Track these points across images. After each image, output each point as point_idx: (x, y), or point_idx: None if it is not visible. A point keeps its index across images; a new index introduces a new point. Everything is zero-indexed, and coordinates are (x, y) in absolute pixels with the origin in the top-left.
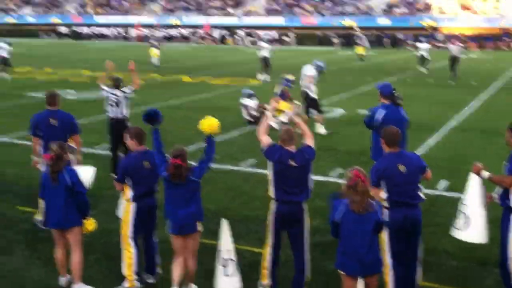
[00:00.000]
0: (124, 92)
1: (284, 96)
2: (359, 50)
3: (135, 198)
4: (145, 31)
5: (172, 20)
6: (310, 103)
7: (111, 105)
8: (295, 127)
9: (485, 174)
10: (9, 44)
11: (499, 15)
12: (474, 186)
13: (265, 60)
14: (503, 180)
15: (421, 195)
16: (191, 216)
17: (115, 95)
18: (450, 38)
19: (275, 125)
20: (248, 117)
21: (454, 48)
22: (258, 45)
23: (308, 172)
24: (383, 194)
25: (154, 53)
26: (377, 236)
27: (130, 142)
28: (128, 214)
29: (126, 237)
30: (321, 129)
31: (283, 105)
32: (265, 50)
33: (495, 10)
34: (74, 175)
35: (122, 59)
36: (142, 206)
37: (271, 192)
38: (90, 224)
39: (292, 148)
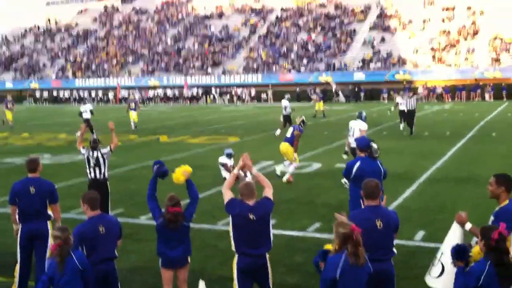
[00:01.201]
0: (102, 153)
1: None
2: (320, 105)
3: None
4: (125, 94)
5: (152, 81)
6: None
7: (91, 167)
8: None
9: (469, 225)
10: None
11: (471, 67)
12: (454, 235)
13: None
14: None
15: (394, 250)
16: (181, 254)
17: (94, 157)
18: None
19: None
20: (225, 175)
21: (403, 101)
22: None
23: (268, 223)
24: None
25: (131, 115)
26: None
27: (83, 208)
28: None
29: None
30: None
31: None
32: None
33: (468, 62)
34: (81, 257)
35: (100, 121)
36: (98, 273)
37: (233, 245)
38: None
39: (251, 202)
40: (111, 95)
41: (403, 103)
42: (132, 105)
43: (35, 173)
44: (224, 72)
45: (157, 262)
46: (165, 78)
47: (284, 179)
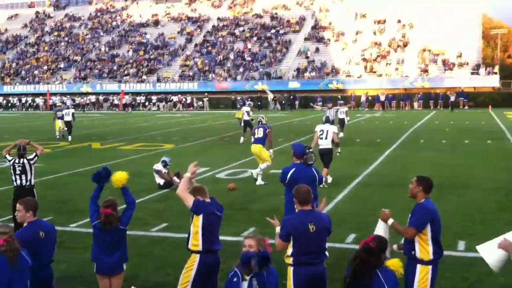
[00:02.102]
0: (28, 159)
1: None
2: (239, 114)
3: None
4: (56, 100)
5: (84, 88)
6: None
7: (17, 174)
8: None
9: (391, 221)
10: None
11: (401, 77)
12: (380, 231)
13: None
14: (406, 231)
15: (326, 253)
16: (117, 260)
17: (20, 163)
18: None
19: None
20: (159, 181)
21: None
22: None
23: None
24: (289, 250)
25: (57, 124)
26: None
27: (25, 215)
28: None
29: None
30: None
31: None
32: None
33: (398, 72)
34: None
35: (28, 127)
36: (40, 279)
37: (196, 245)
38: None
39: (208, 200)
40: (41, 101)
41: (341, 111)
42: (60, 113)
43: None
44: (159, 80)
45: (88, 271)
46: (98, 85)
47: (258, 182)
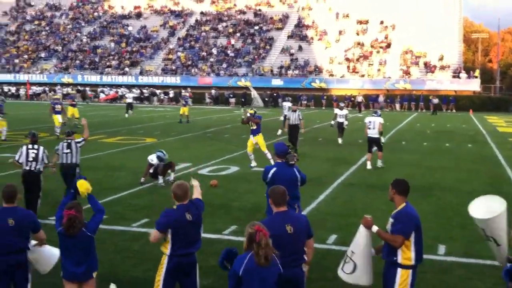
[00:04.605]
0: (76, 142)
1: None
2: (184, 110)
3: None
4: (37, 90)
5: (65, 78)
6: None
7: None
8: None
9: (375, 228)
10: None
11: (383, 78)
12: (362, 236)
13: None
14: (395, 240)
15: (304, 256)
16: (84, 270)
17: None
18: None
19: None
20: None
21: (341, 113)
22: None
23: (201, 223)
24: None
25: (56, 119)
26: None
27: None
28: None
29: None
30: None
31: None
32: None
33: (380, 73)
34: None
35: (11, 117)
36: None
37: (166, 248)
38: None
39: (186, 202)
40: (22, 91)
41: (340, 115)
42: (59, 107)
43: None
44: (142, 73)
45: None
46: (79, 76)
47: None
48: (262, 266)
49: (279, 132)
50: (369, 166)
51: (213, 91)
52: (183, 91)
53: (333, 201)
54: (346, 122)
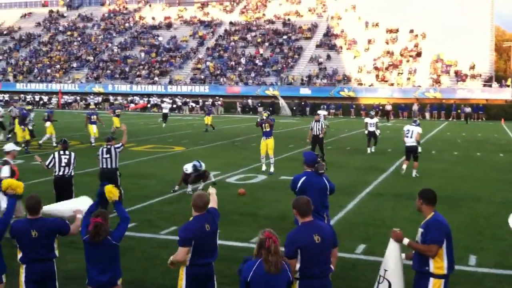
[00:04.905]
0: (115, 147)
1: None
2: (208, 119)
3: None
4: (68, 99)
5: (96, 88)
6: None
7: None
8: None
9: (406, 240)
10: None
11: (413, 87)
12: (393, 251)
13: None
14: (430, 249)
15: (332, 266)
16: (108, 279)
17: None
18: None
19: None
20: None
21: (372, 121)
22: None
23: (217, 231)
24: (297, 266)
25: (91, 129)
26: None
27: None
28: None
29: None
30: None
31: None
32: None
33: (410, 82)
34: None
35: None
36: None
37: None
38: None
39: (204, 212)
40: (54, 100)
41: (370, 123)
42: (94, 117)
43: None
44: (171, 82)
45: (82, 272)
46: (110, 86)
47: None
48: (271, 273)
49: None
50: (403, 170)
51: (250, 101)
52: (217, 102)
53: (361, 211)
54: (378, 131)
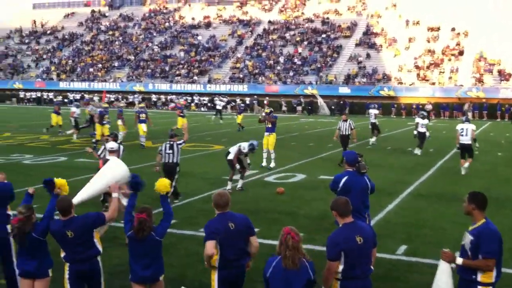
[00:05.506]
0: (177, 144)
1: None
2: (239, 119)
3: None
4: (110, 97)
5: (137, 87)
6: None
7: (166, 153)
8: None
9: (460, 260)
10: None
11: (455, 86)
12: (444, 274)
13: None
14: (487, 264)
15: (372, 266)
16: (151, 274)
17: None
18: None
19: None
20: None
21: (423, 122)
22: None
23: (247, 234)
24: (339, 267)
25: (141, 128)
26: None
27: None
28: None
29: None
30: None
31: None
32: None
33: (451, 81)
34: (39, 232)
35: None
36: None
37: (214, 260)
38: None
39: (226, 211)
40: (96, 98)
41: (421, 124)
42: (143, 116)
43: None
44: (210, 81)
45: (125, 267)
46: (150, 84)
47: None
48: (289, 268)
49: (373, 139)
50: (463, 171)
51: (302, 99)
52: (254, 101)
53: (402, 211)
54: (428, 133)
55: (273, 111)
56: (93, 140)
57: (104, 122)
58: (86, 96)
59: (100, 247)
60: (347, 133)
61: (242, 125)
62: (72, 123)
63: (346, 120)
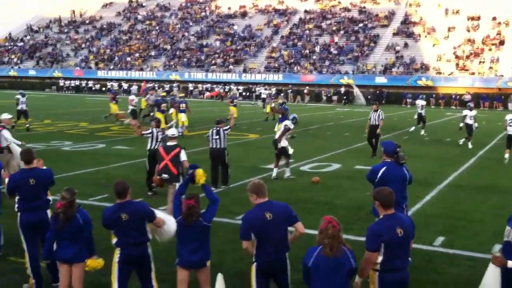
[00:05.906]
0: (224, 129)
1: None
2: (268, 108)
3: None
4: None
5: (173, 76)
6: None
7: (213, 139)
8: None
9: (511, 263)
10: (23, 95)
11: (495, 76)
12: (490, 278)
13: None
14: None
15: (409, 258)
16: (199, 258)
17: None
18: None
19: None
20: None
21: (471, 114)
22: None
23: (286, 225)
24: (379, 258)
25: (180, 118)
26: (349, 283)
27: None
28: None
29: None
30: None
31: None
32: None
33: (492, 71)
34: (85, 216)
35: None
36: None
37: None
38: (94, 262)
39: (264, 200)
40: (134, 87)
41: (470, 116)
42: (183, 106)
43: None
44: (245, 70)
45: (171, 253)
46: (186, 74)
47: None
48: (328, 256)
49: (412, 128)
50: (506, 159)
51: (342, 89)
52: (289, 90)
53: (440, 203)
54: (476, 124)
55: (286, 103)
56: (104, 116)
57: (162, 110)
58: (124, 85)
59: (150, 235)
60: (376, 123)
61: (269, 114)
62: (129, 110)
63: (376, 110)
